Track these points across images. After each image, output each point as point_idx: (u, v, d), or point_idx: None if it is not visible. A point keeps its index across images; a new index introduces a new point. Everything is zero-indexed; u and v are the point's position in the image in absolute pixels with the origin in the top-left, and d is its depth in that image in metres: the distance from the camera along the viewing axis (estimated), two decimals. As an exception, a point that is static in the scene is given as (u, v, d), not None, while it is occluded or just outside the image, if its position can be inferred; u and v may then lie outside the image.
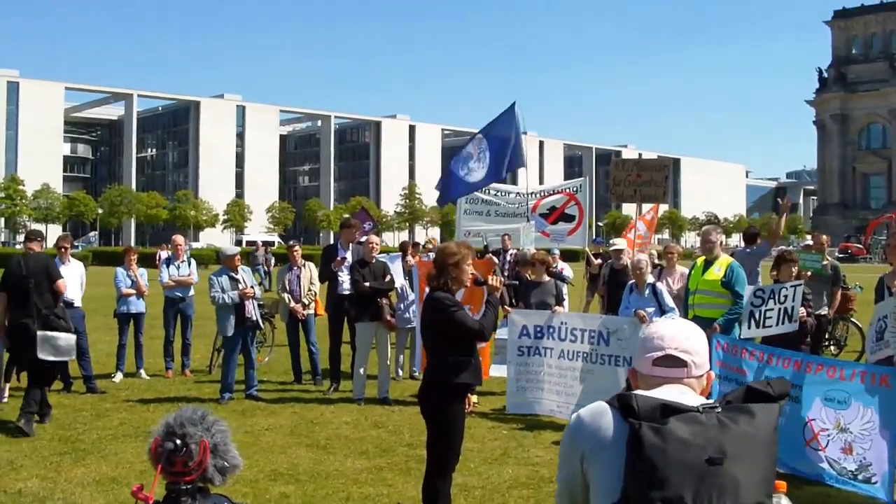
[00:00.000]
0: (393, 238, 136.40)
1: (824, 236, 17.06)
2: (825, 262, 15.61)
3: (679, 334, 3.06)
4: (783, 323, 10.79)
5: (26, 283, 11.71)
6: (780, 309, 10.81)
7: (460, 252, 7.28)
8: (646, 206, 18.38)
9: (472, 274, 7.42)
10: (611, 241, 16.81)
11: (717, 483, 2.64)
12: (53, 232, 79.67)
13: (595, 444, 2.90)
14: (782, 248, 15.08)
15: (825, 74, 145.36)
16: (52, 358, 11.64)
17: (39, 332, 11.50)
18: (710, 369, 3.12)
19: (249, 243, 79.12)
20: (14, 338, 11.88)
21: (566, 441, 3.07)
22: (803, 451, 9.21)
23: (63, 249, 14.62)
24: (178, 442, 2.91)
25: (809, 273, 15.10)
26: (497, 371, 14.08)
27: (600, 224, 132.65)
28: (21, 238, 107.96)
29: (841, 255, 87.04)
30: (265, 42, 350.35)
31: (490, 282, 7.53)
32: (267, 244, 59.20)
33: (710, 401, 2.88)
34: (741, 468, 2.67)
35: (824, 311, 15.29)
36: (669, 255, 15.02)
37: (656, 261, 15.90)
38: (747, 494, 2.66)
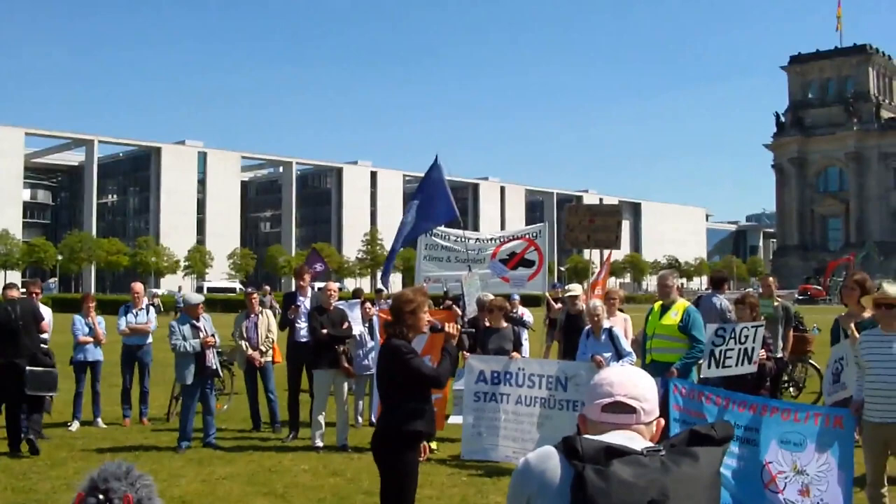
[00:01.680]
0: (354, 283, 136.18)
1: (771, 278, 17.12)
2: (776, 304, 15.71)
3: (628, 381, 3.08)
4: (742, 364, 10.83)
5: (17, 326, 13.05)
6: (739, 349, 10.85)
7: (416, 300, 7.26)
8: (605, 252, 18.45)
9: (428, 320, 7.41)
10: (566, 287, 16.82)
11: None
12: (12, 278, 79.00)
13: (541, 487, 2.92)
14: (743, 291, 15.18)
15: (782, 118, 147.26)
16: (38, 393, 13.18)
17: (28, 369, 12.99)
18: (660, 416, 3.13)
19: (226, 289, 78.50)
20: (4, 375, 12.99)
21: (513, 484, 3.08)
22: (762, 493, 9.22)
23: (34, 294, 15.01)
24: (101, 497, 2.86)
25: (763, 318, 15.22)
26: (456, 419, 14.06)
27: (562, 269, 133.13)
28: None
29: (800, 297, 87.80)
30: (227, 87, 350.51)
31: (447, 329, 7.52)
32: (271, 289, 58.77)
33: (654, 445, 2.91)
34: None
35: (780, 353, 15.37)
36: (612, 301, 15.05)
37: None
38: None
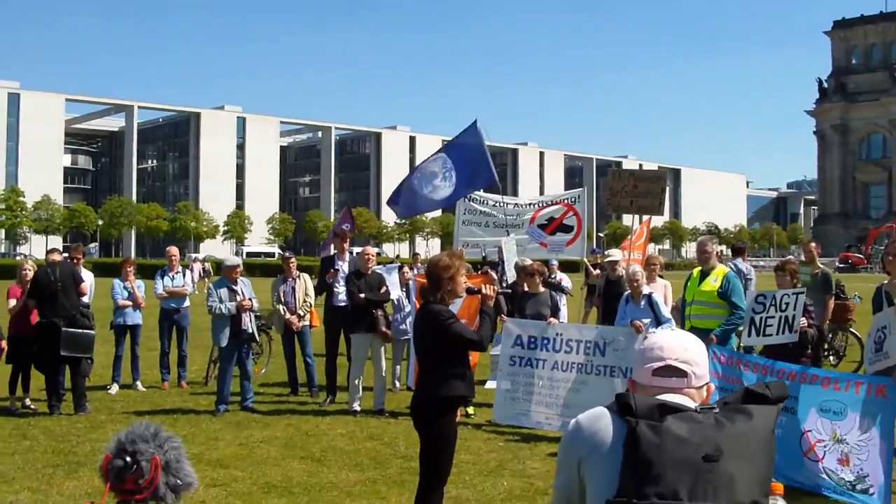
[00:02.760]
0: (393, 249, 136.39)
1: (813, 244, 16.92)
2: (815, 272, 15.52)
3: (679, 345, 3.08)
4: (783, 332, 10.67)
5: (55, 288, 13.29)
6: (780, 317, 10.69)
7: (453, 264, 7.21)
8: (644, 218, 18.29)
9: (465, 284, 7.37)
10: (606, 253, 16.72)
11: (712, 480, 2.65)
12: (53, 243, 79.50)
13: (592, 449, 2.92)
14: (782, 259, 15.00)
15: (825, 85, 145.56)
16: (73, 354, 13.28)
17: (64, 329, 13.17)
18: (710, 381, 3.12)
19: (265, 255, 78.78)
20: (42, 334, 13.28)
21: (564, 446, 3.11)
22: (801, 462, 9.15)
23: (76, 260, 15.04)
24: (129, 459, 2.84)
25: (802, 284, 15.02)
26: (492, 384, 14.03)
27: (601, 235, 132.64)
28: (21, 249, 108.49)
29: (841, 265, 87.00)
30: (265, 53, 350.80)
31: (484, 291, 7.47)
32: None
33: (708, 403, 2.93)
34: (737, 466, 2.68)
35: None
36: (652, 267, 14.97)
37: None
38: (743, 492, 2.67)
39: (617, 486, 2.77)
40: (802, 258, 17.62)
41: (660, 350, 3.05)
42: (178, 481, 2.90)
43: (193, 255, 73.46)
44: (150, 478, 2.82)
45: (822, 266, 16.15)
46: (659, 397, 2.91)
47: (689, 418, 2.77)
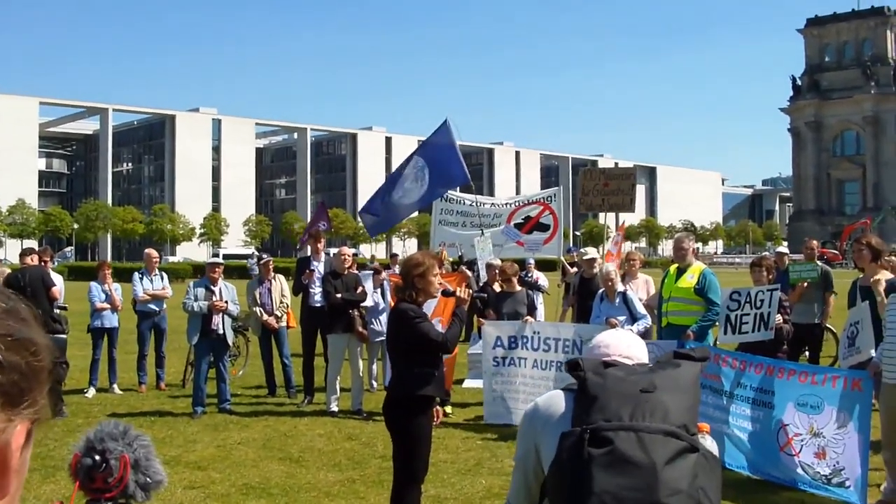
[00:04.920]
0: (369, 250, 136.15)
1: (814, 241, 16.58)
2: (818, 267, 15.45)
3: (621, 342, 3.47)
4: (759, 330, 10.72)
5: (24, 292, 12.58)
6: (755, 314, 10.73)
7: (426, 263, 7.21)
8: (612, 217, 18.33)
9: (439, 284, 7.37)
10: (582, 250, 16.76)
11: (649, 406, 2.97)
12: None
13: (546, 422, 3.30)
14: (757, 255, 14.98)
15: (799, 82, 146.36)
16: None
17: None
18: None
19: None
20: None
21: (523, 423, 3.52)
22: (777, 456, 9.21)
23: (44, 262, 14.94)
24: (98, 458, 2.83)
25: (806, 283, 15.00)
26: (471, 384, 14.06)
27: (577, 233, 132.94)
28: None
29: (821, 262, 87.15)
30: (240, 55, 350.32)
31: (458, 293, 7.47)
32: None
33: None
34: (669, 397, 3.01)
35: (817, 320, 15.07)
36: (632, 263, 15.02)
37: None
38: (675, 416, 2.97)
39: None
40: (781, 250, 17.57)
41: (605, 347, 3.43)
42: (148, 479, 2.90)
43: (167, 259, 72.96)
44: (120, 476, 2.82)
45: (821, 264, 16.07)
46: None
47: (627, 368, 3.18)
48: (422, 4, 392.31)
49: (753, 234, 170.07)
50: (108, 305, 15.69)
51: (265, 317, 15.26)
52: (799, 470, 8.95)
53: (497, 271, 14.27)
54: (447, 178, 15.45)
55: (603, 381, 3.06)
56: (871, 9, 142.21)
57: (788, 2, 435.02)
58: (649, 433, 2.90)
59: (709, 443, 3.13)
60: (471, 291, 7.87)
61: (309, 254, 15.59)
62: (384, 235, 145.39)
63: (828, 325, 16.98)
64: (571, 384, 3.23)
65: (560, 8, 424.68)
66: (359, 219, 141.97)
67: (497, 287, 14.03)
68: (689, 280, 11.74)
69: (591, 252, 15.63)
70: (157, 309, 16.22)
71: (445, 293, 7.56)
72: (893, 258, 12.69)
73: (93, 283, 15.91)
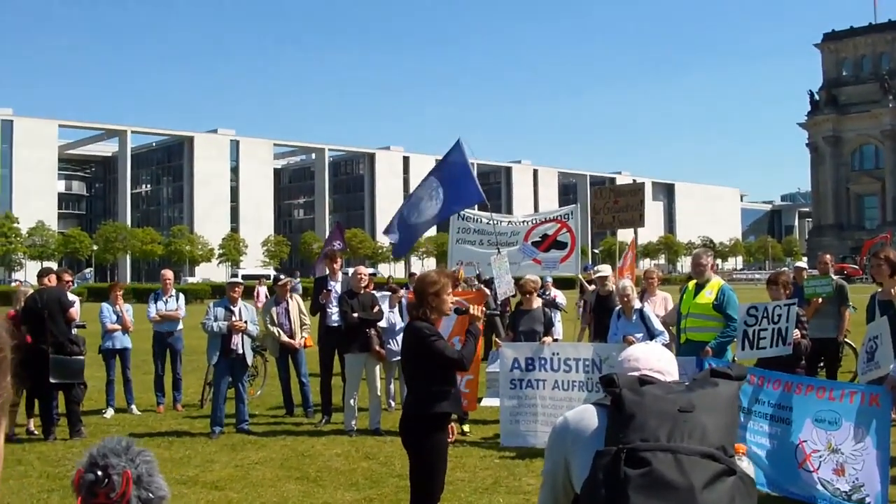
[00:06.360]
0: (388, 269, 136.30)
1: (828, 256, 16.55)
2: (833, 282, 15.33)
3: (651, 356, 3.44)
4: (776, 345, 10.67)
5: (42, 314, 13.09)
6: (773, 329, 10.69)
7: (440, 281, 7.21)
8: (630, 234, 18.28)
9: (452, 302, 7.36)
10: (595, 268, 16.73)
11: (688, 427, 2.95)
12: (48, 269, 79.41)
13: (577, 437, 3.27)
14: (774, 271, 14.87)
15: (816, 97, 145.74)
16: (63, 380, 13.21)
17: (53, 356, 13.05)
18: None
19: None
20: (31, 362, 12.74)
21: (552, 437, 3.48)
22: (796, 473, 9.15)
23: (67, 283, 14.98)
24: (100, 473, 2.83)
25: (821, 300, 14.88)
26: (489, 402, 14.03)
27: (596, 251, 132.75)
28: (16, 275, 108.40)
29: (837, 276, 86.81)
30: (258, 76, 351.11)
31: (471, 311, 7.46)
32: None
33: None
34: (708, 417, 3.00)
35: (833, 334, 14.96)
36: (650, 280, 14.97)
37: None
38: (713, 437, 2.95)
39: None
40: (800, 265, 17.47)
41: (635, 361, 3.41)
42: (151, 494, 2.89)
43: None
44: (122, 491, 2.81)
45: (836, 278, 15.97)
46: None
47: (664, 386, 3.18)
48: (440, 25, 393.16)
49: (773, 250, 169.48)
50: (119, 327, 15.73)
51: (283, 337, 15.26)
52: (818, 486, 8.89)
53: (518, 286, 14.25)
54: (462, 197, 15.44)
55: (640, 399, 3.05)
56: (888, 22, 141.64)
57: (805, 17, 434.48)
58: (687, 455, 2.88)
59: (745, 464, 3.11)
60: (484, 309, 7.86)
61: (326, 273, 15.60)
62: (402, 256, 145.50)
63: (847, 341, 16.87)
64: (602, 399, 3.24)
65: (577, 28, 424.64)
66: (377, 238, 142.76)
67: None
68: (708, 296, 11.72)
69: (604, 269, 15.59)
70: (171, 330, 16.25)
71: (458, 311, 7.55)
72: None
73: (104, 305, 15.98)
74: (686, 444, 2.90)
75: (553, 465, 3.40)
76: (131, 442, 2.94)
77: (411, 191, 16.46)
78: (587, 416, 3.30)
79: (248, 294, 43.32)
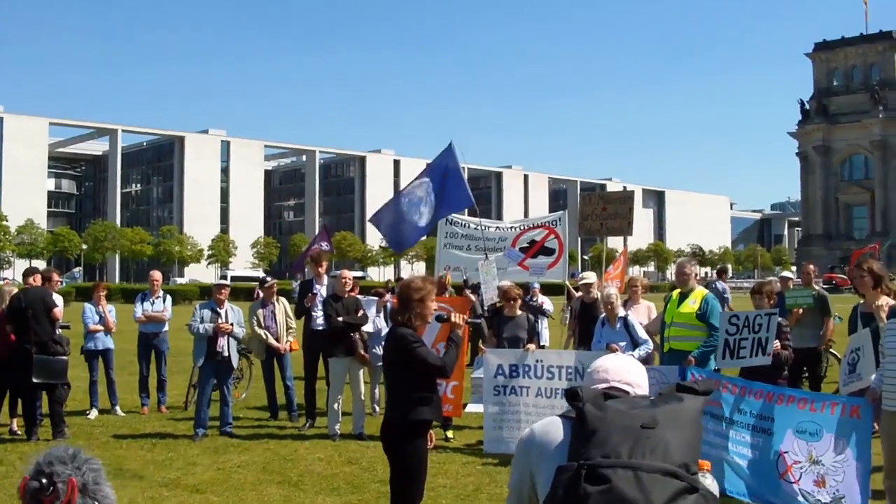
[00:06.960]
0: (378, 273, 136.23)
1: (811, 266, 16.61)
2: (813, 293, 15.35)
3: (621, 368, 3.46)
4: (756, 355, 10.66)
5: (26, 313, 13.19)
6: (753, 339, 10.68)
7: (425, 287, 7.20)
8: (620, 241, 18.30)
9: (435, 309, 7.34)
10: (581, 275, 16.73)
11: (650, 443, 2.93)
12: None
13: (542, 450, 3.28)
14: (758, 281, 14.91)
15: (807, 106, 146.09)
16: (45, 381, 13.15)
17: (36, 356, 13.05)
18: None
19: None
20: (14, 362, 13.08)
21: (518, 449, 3.47)
22: (777, 483, 9.16)
23: (55, 283, 14.96)
24: (45, 481, 2.83)
25: (801, 310, 14.91)
26: (473, 408, 14.02)
27: (585, 258, 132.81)
28: (5, 274, 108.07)
29: (826, 286, 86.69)
30: (250, 77, 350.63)
31: (452, 318, 7.44)
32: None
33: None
34: (671, 434, 2.97)
35: (815, 344, 15.02)
36: (634, 288, 14.97)
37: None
38: (675, 454, 2.93)
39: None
40: (787, 275, 17.51)
41: (605, 372, 3.43)
42: (97, 503, 2.88)
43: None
44: (66, 500, 2.81)
45: (818, 288, 16.02)
46: None
47: (629, 401, 3.15)
48: (431, 27, 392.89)
49: (762, 259, 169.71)
50: (102, 327, 15.69)
51: (270, 340, 15.23)
52: (799, 497, 8.90)
53: (501, 292, 14.22)
54: (451, 202, 15.43)
55: (603, 415, 3.03)
56: (879, 32, 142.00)
57: (796, 26, 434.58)
58: (648, 472, 2.86)
59: (709, 482, 3.10)
60: (465, 317, 7.83)
61: (309, 277, 15.58)
62: (392, 259, 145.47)
63: (833, 351, 16.92)
64: (570, 411, 3.21)
65: (568, 32, 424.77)
66: (367, 241, 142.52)
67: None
68: (692, 305, 11.74)
69: (588, 276, 15.59)
70: (157, 331, 16.21)
71: (439, 318, 7.51)
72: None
73: (87, 305, 15.93)
74: (648, 460, 2.88)
75: (519, 478, 3.41)
76: (79, 450, 2.93)
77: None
78: (553, 428, 3.31)
79: (248, 295, 43.30)
